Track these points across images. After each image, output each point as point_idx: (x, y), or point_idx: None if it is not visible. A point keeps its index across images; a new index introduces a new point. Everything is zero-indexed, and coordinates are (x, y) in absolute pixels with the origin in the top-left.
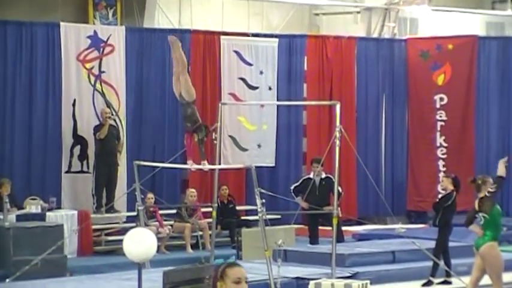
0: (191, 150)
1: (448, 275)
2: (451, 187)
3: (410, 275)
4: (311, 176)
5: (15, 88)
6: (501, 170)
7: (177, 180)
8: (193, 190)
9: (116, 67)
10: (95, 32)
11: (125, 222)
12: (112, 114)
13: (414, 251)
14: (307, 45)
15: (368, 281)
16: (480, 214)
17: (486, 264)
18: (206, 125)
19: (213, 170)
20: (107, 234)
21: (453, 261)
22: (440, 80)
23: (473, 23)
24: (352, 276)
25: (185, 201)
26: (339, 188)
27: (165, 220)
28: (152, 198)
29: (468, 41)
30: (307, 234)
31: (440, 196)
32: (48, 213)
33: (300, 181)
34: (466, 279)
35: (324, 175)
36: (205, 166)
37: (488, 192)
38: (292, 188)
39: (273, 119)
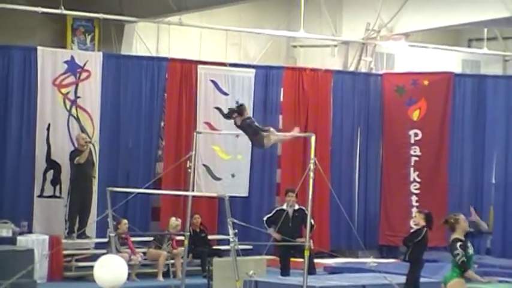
0: None
1: None
2: (422, 223)
3: None
4: (284, 207)
5: None
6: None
7: (149, 208)
8: (178, 219)
9: (91, 93)
10: (72, 57)
11: (95, 249)
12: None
13: (385, 285)
14: (283, 77)
15: None
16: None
17: None
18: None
19: (186, 197)
20: (77, 260)
21: None
22: (415, 115)
23: (449, 60)
24: None
25: (169, 229)
26: (312, 221)
27: (136, 247)
28: (126, 224)
29: (444, 77)
30: (278, 266)
31: (411, 231)
32: (19, 238)
33: (273, 212)
34: None
35: (297, 207)
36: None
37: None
38: (265, 218)
39: (247, 149)
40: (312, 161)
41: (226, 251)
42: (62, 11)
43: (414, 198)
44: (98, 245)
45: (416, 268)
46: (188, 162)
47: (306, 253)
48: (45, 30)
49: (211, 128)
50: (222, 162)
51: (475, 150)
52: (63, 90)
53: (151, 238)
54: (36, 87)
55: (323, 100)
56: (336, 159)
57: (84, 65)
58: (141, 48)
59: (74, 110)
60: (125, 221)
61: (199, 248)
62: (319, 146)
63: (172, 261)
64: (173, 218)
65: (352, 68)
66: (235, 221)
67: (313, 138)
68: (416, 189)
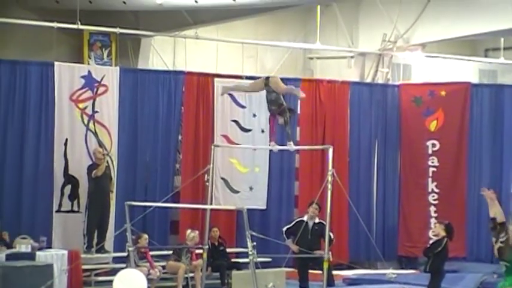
0: (273, 132)
1: None
2: (443, 233)
3: None
4: (304, 218)
5: (7, 126)
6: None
7: (167, 222)
8: (194, 230)
9: (109, 107)
10: (89, 72)
11: (115, 263)
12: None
13: None
14: (300, 89)
15: None
16: (501, 262)
17: None
18: (290, 108)
19: (205, 211)
20: (96, 275)
21: None
22: (432, 126)
23: (466, 70)
24: None
25: (186, 242)
26: (331, 234)
27: (155, 261)
28: (146, 239)
29: (461, 87)
30: (297, 278)
31: (431, 242)
32: (38, 253)
33: (293, 223)
34: None
35: (317, 220)
36: (291, 147)
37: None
38: (284, 229)
39: (265, 162)
40: (330, 173)
41: (245, 263)
42: (79, 26)
43: (432, 208)
44: (117, 260)
45: (438, 279)
46: (206, 175)
47: (325, 265)
48: (62, 45)
49: (229, 141)
50: (239, 175)
51: (493, 160)
52: (81, 105)
53: (170, 252)
54: (54, 103)
55: (340, 111)
56: (354, 170)
57: (101, 79)
58: (158, 62)
59: (91, 125)
60: (145, 235)
61: (218, 261)
62: (336, 157)
63: (191, 274)
64: (189, 230)
65: (369, 79)
66: (253, 233)
67: (330, 150)
68: (434, 199)
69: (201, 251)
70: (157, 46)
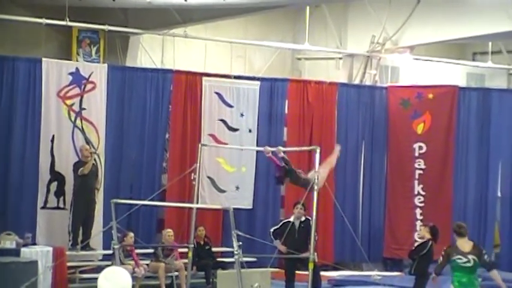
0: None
1: None
2: (428, 236)
3: None
4: (291, 219)
5: None
6: None
7: (153, 220)
8: (170, 230)
9: (96, 104)
10: (77, 68)
11: (100, 260)
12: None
13: None
14: (288, 89)
15: None
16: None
17: None
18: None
19: (191, 209)
20: (81, 272)
21: None
22: (419, 128)
23: (454, 73)
24: None
25: (162, 240)
26: (315, 233)
27: (141, 259)
28: (132, 237)
29: (448, 90)
30: (283, 278)
31: (416, 244)
32: (23, 249)
33: (280, 224)
34: None
35: (303, 218)
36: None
37: None
38: (271, 230)
39: (252, 161)
40: (317, 174)
41: (231, 263)
42: (67, 22)
43: (418, 211)
44: (106, 257)
45: (422, 281)
46: (193, 174)
47: (310, 266)
48: (51, 41)
49: (216, 140)
50: (226, 174)
51: (479, 163)
52: (68, 102)
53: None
54: (41, 99)
55: (328, 113)
56: (341, 171)
57: (89, 76)
58: (146, 60)
59: (78, 122)
60: (131, 234)
61: (204, 260)
62: (323, 158)
63: (176, 273)
64: (167, 229)
65: (357, 81)
66: (239, 233)
67: (318, 151)
68: (420, 202)
69: (185, 249)
70: (145, 44)
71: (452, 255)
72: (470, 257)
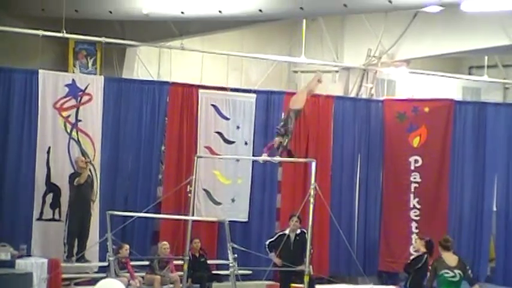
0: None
1: None
2: (423, 249)
3: None
4: (286, 231)
5: None
6: None
7: (149, 232)
8: (165, 243)
9: (93, 116)
10: (73, 80)
11: (95, 272)
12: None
13: None
14: (284, 102)
15: None
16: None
17: None
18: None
19: (186, 222)
20: (76, 284)
21: None
22: (415, 142)
23: (450, 87)
24: None
25: (158, 253)
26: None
27: (136, 272)
28: (127, 249)
29: (444, 104)
30: None
31: (412, 258)
32: (17, 261)
33: (275, 237)
34: None
35: (299, 231)
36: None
37: None
38: (267, 243)
39: (248, 174)
40: (313, 187)
41: (226, 275)
42: (64, 34)
43: (414, 224)
44: (101, 269)
45: None
46: (188, 186)
47: (306, 279)
48: (47, 53)
49: (212, 152)
50: (222, 186)
51: (475, 177)
52: (64, 114)
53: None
54: (37, 110)
55: (324, 126)
56: (336, 184)
57: (86, 88)
58: (143, 72)
59: (74, 133)
60: (127, 246)
61: (199, 272)
62: (319, 171)
63: (171, 285)
64: (162, 242)
65: (353, 94)
66: (235, 245)
67: (313, 164)
68: (416, 215)
69: (181, 262)
70: (142, 56)
71: (440, 269)
72: (456, 271)
